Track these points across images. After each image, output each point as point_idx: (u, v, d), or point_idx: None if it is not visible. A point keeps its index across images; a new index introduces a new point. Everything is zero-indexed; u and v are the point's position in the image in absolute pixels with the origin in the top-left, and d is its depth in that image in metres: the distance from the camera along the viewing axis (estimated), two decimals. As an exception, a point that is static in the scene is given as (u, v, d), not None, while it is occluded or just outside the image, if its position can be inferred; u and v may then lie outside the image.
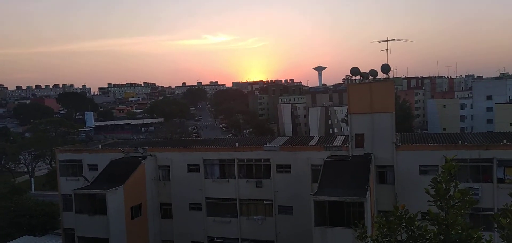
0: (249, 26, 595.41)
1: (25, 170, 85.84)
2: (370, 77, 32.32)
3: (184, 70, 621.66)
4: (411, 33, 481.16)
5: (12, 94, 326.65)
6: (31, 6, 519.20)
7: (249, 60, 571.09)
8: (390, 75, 32.05)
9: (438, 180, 8.34)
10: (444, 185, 8.24)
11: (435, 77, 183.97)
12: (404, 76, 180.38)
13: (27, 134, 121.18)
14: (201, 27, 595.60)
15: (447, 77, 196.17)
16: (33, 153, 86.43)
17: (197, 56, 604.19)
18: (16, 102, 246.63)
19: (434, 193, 8.38)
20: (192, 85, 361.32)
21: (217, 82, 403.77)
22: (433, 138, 34.42)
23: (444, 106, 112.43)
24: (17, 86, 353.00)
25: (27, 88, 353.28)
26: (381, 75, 32.15)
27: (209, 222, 35.48)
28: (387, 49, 32.39)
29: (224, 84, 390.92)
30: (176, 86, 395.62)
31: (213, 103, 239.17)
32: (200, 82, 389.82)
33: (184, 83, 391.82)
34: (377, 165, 31.08)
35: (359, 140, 31.24)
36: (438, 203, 8.33)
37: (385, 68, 31.64)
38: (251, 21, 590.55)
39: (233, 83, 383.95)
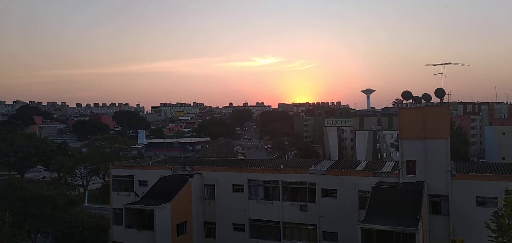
0: (296, 48, 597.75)
1: (80, 183, 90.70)
2: (423, 102, 31.06)
3: (231, 91, 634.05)
4: (467, 56, 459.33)
5: (72, 111, 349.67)
6: (93, 33, 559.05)
7: (296, 82, 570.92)
8: (445, 99, 30.62)
9: (500, 214, 7.80)
10: (507, 220, 7.68)
11: (493, 102, 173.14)
12: (459, 101, 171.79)
13: (84, 149, 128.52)
14: (251, 50, 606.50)
15: (507, 103, 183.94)
16: (88, 167, 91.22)
17: (245, 78, 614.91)
18: (75, 119, 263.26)
19: (496, 228, 7.83)
20: (238, 106, 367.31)
21: (263, 103, 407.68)
22: (491, 167, 32.19)
23: (504, 133, 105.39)
24: (77, 104, 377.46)
25: (86, 106, 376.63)
26: (434, 100, 30.78)
27: (252, 244, 35.27)
28: (441, 73, 31.10)
29: (270, 106, 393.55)
30: (223, 107, 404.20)
31: (259, 124, 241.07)
32: (247, 103, 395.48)
33: (231, 104, 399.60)
34: (430, 194, 29.50)
35: (411, 167, 29.91)
36: (500, 239, 7.78)
37: (440, 92, 30.29)
38: (298, 44, 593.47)
39: (279, 104, 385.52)
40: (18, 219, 44.28)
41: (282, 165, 36.76)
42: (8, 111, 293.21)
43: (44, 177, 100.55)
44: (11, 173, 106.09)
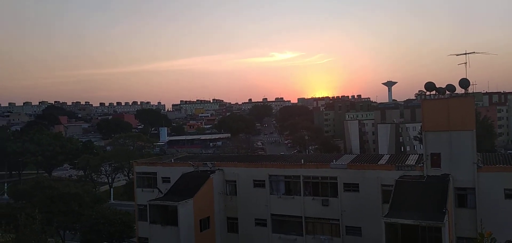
0: (315, 42, 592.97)
1: (105, 180, 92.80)
2: (447, 93, 30.33)
3: (251, 87, 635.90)
4: (492, 45, 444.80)
5: (96, 111, 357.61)
6: (113, 32, 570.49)
7: (315, 76, 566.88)
8: (470, 90, 29.84)
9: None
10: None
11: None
12: (484, 91, 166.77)
13: (108, 147, 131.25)
14: (269, 45, 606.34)
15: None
16: (113, 165, 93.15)
17: (264, 73, 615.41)
18: (99, 118, 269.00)
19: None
20: (258, 101, 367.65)
21: (282, 98, 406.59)
22: (520, 158, 31.21)
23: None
24: (100, 103, 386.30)
25: (109, 105, 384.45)
26: (459, 90, 30.03)
27: (274, 239, 35.32)
28: (465, 63, 30.29)
29: (290, 100, 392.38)
30: (242, 103, 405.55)
31: (278, 119, 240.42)
32: (266, 99, 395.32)
33: (250, 100, 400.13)
34: (456, 187, 28.85)
35: (435, 159, 29.29)
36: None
37: (464, 82, 29.50)
38: (316, 37, 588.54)
39: (298, 99, 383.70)
40: (47, 216, 45.71)
41: (303, 160, 36.63)
42: (35, 111, 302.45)
43: (70, 175, 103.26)
44: (39, 172, 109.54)
